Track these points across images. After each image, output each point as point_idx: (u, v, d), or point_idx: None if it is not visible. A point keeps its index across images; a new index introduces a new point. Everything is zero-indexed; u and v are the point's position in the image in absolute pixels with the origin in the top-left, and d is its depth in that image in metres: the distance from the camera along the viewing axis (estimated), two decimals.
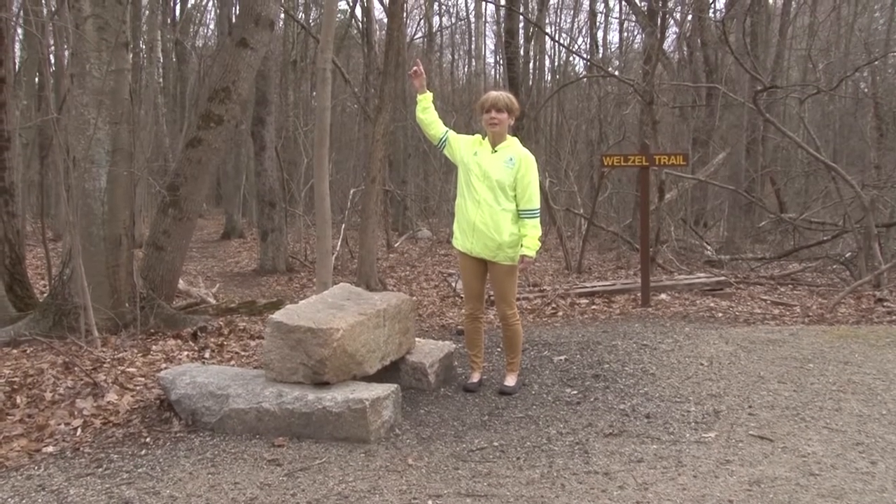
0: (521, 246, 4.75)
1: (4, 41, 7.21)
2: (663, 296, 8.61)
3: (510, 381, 5.05)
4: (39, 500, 3.48)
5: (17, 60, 14.64)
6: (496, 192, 4.72)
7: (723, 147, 15.23)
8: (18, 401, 4.62)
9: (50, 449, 4.09)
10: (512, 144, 4.83)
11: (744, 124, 15.25)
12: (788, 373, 5.26)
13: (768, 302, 8.48)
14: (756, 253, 12.47)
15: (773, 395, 4.78)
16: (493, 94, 4.84)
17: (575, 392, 4.99)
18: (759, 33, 16.50)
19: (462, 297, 9.22)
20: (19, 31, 13.95)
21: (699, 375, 5.25)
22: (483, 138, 4.88)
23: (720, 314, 7.75)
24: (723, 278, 9.44)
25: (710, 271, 10.47)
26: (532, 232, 4.78)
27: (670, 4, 15.69)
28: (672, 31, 18.88)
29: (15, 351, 5.88)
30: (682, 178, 12.63)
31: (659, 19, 14.53)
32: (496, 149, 4.80)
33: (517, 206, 4.78)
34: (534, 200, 4.77)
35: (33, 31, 8.39)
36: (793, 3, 18.00)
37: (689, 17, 16.56)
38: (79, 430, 4.31)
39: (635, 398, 4.81)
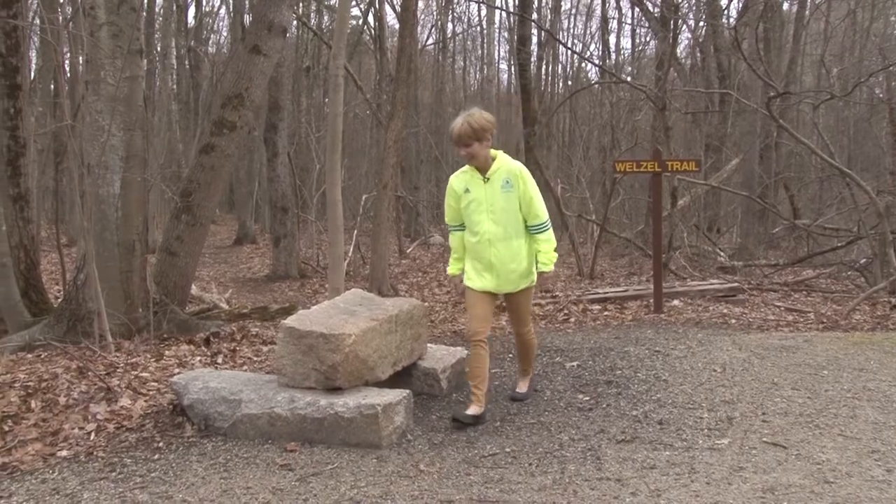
0: (537, 262, 4.58)
1: (21, 49, 7.29)
2: (676, 302, 8.58)
3: (522, 387, 4.99)
4: None
5: (32, 68, 14.79)
6: (506, 223, 4.47)
7: (736, 153, 15.18)
8: (33, 405, 4.66)
9: (64, 453, 4.12)
10: (502, 164, 4.48)
11: (757, 130, 15.19)
12: (802, 379, 5.23)
13: (782, 308, 8.43)
14: (769, 259, 12.40)
15: (787, 401, 4.76)
16: (456, 127, 4.39)
17: (587, 398, 4.98)
18: (772, 39, 16.45)
19: None
20: (35, 38, 14.09)
21: (712, 382, 5.23)
22: (471, 167, 4.53)
23: (733, 320, 7.72)
24: (736, 284, 9.39)
25: (723, 277, 10.43)
26: (545, 246, 4.57)
27: (683, 10, 15.66)
28: (685, 36, 18.86)
29: (30, 355, 5.92)
30: (695, 184, 12.59)
31: (672, 25, 14.51)
32: (487, 176, 4.47)
33: (526, 224, 4.55)
34: (541, 214, 4.52)
35: (49, 39, 8.49)
36: (807, 8, 17.93)
37: (702, 23, 16.54)
38: (92, 435, 4.34)
39: (648, 404, 4.80)
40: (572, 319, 7.96)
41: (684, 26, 16.52)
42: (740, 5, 16.73)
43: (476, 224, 4.52)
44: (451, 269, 4.83)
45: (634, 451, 4.01)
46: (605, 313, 8.22)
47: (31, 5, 10.01)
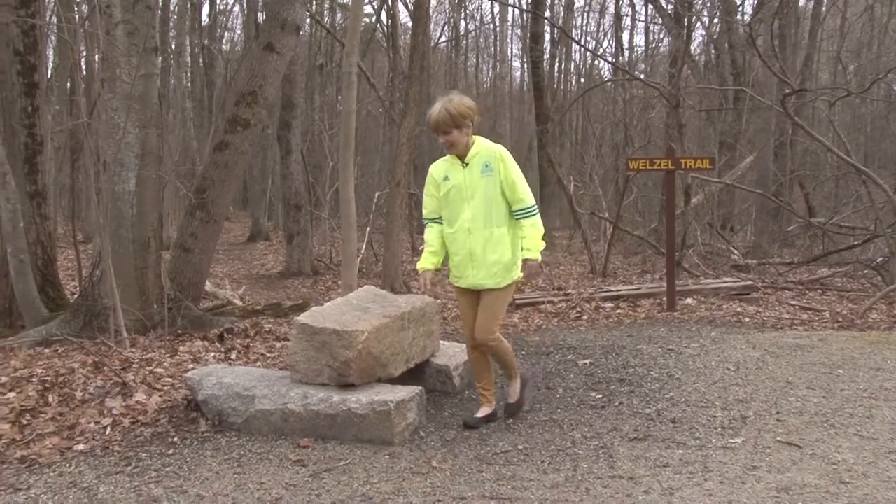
0: (522, 249, 4.25)
1: (38, 47, 7.34)
2: (689, 300, 8.54)
3: (510, 395, 4.55)
4: (71, 497, 3.54)
5: (49, 66, 14.90)
6: (487, 210, 4.18)
7: (750, 150, 15.09)
8: (50, 399, 4.70)
9: (81, 447, 4.16)
10: (481, 149, 4.22)
11: (772, 127, 15.09)
12: (817, 379, 5.20)
13: (797, 307, 8.38)
14: (784, 257, 12.32)
15: (802, 401, 4.73)
16: (434, 114, 4.15)
17: (600, 396, 4.97)
18: (787, 36, 16.32)
19: None
20: (52, 37, 14.19)
21: (726, 380, 5.21)
22: (452, 155, 4.30)
23: (747, 319, 7.68)
24: (750, 283, 9.35)
25: (736, 276, 10.37)
26: (531, 231, 4.21)
27: (697, 7, 15.58)
28: (699, 33, 18.74)
29: (47, 350, 5.98)
30: (709, 181, 12.52)
31: (686, 22, 14.44)
32: (466, 161, 4.22)
33: (511, 208, 4.24)
34: (525, 198, 4.19)
35: (66, 38, 8.55)
36: (823, 4, 17.78)
37: (717, 20, 16.44)
38: (108, 429, 4.38)
39: (661, 403, 4.79)
40: (585, 317, 7.95)
41: (698, 23, 16.43)
42: (755, 2, 16.64)
43: (455, 212, 4.26)
44: (422, 263, 4.46)
45: (647, 449, 4.01)
46: (618, 311, 8.20)
47: (48, 4, 10.10)
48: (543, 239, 4.26)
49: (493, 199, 4.17)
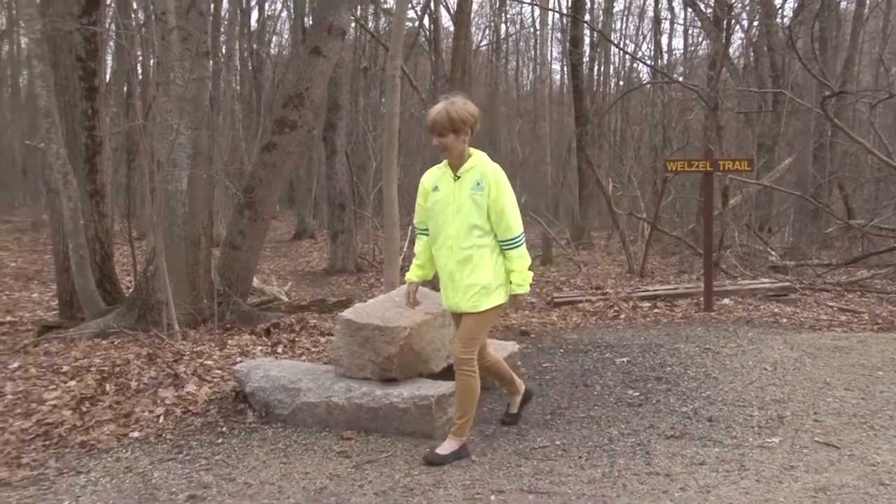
0: (510, 283, 3.85)
1: (98, 53, 7.51)
2: (726, 300, 8.42)
3: (443, 447, 3.85)
4: (127, 482, 3.63)
5: (108, 71, 15.22)
6: (470, 229, 3.79)
7: (789, 153, 14.79)
8: (108, 388, 4.82)
9: (135, 434, 4.26)
10: (477, 163, 3.84)
11: (811, 130, 14.78)
12: (856, 380, 5.10)
13: (835, 308, 8.20)
14: (822, 259, 12.06)
15: (840, 402, 4.64)
16: (433, 113, 3.82)
17: (637, 394, 4.93)
18: (828, 38, 15.97)
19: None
20: (111, 43, 14.50)
21: (763, 380, 5.13)
22: (446, 164, 3.94)
23: (784, 320, 7.55)
24: (788, 284, 9.17)
25: (774, 277, 10.18)
26: (518, 264, 3.84)
27: (736, 10, 15.31)
28: (738, 36, 18.42)
29: (104, 342, 6.12)
30: (747, 183, 12.31)
31: (725, 25, 14.20)
32: (459, 174, 3.85)
33: (496, 236, 3.83)
34: (513, 226, 3.80)
35: (124, 44, 8.72)
36: (865, 6, 17.36)
37: (756, 23, 16.14)
38: (161, 418, 4.47)
39: (697, 401, 4.73)
40: (622, 316, 7.89)
41: (737, 26, 16.15)
42: (795, 4, 16.32)
43: (438, 227, 3.90)
44: (409, 275, 4.14)
45: (684, 447, 3.97)
46: (656, 311, 8.11)
47: (107, 12, 10.31)
48: (530, 269, 3.91)
49: (480, 218, 3.79)
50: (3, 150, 24.35)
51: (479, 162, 3.86)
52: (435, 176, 3.97)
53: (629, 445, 4.01)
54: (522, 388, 4.41)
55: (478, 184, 3.79)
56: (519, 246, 3.83)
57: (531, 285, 3.97)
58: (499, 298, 3.84)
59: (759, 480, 3.48)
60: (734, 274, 10.62)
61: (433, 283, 4.59)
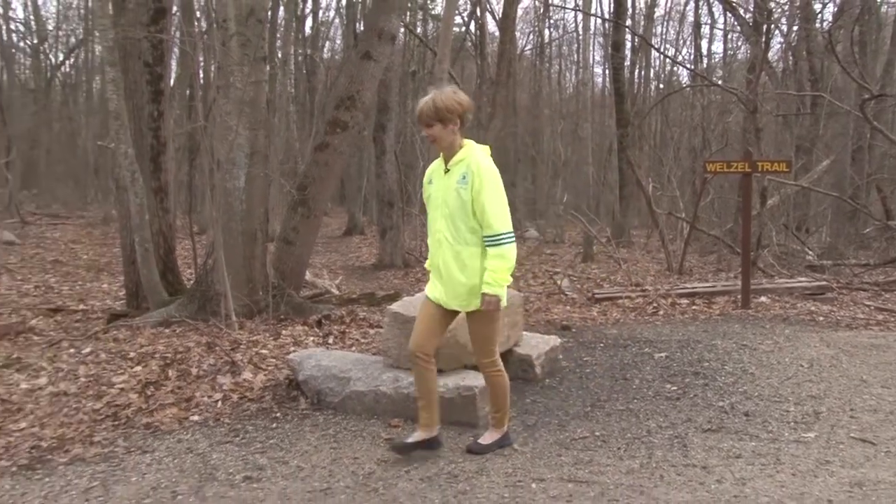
0: (483, 282, 3.51)
1: (164, 59, 7.65)
2: (763, 298, 8.24)
3: (486, 437, 3.83)
4: (188, 461, 3.71)
5: (172, 75, 15.53)
6: (457, 224, 3.55)
7: (827, 155, 14.40)
8: (170, 374, 4.92)
9: (196, 417, 4.35)
10: (467, 156, 3.57)
11: (850, 132, 14.36)
12: (893, 378, 4.95)
13: (872, 308, 7.97)
14: (860, 259, 11.72)
15: (877, 399, 4.51)
16: (420, 104, 3.60)
17: (675, 388, 4.87)
18: (868, 41, 15.49)
19: (566, 294, 9.15)
20: (175, 49, 14.78)
21: (799, 377, 5.02)
22: (441, 157, 3.69)
23: (821, 318, 7.36)
24: (825, 283, 8.93)
25: (811, 276, 9.93)
26: (494, 263, 3.49)
27: (776, 15, 14.95)
28: (777, 40, 17.99)
29: (167, 330, 6.24)
30: (785, 184, 12.04)
31: (764, 29, 13.88)
32: (449, 167, 3.61)
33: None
34: (494, 224, 3.49)
35: (187, 49, 8.88)
36: None
37: (795, 28, 15.73)
38: (219, 403, 4.55)
39: (734, 396, 4.65)
40: (661, 312, 7.78)
41: (776, 31, 15.78)
42: (835, 9, 15.86)
43: (432, 220, 3.70)
44: (429, 264, 3.87)
45: (720, 440, 3.91)
46: (693, 307, 7.98)
47: (172, 20, 10.50)
48: (511, 273, 3.58)
49: (465, 213, 3.53)
50: (77, 150, 25.04)
51: (470, 154, 3.59)
52: (431, 169, 3.78)
53: (667, 438, 3.97)
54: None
55: (463, 177, 3.54)
56: (501, 244, 3.50)
57: (508, 287, 3.61)
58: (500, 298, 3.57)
59: (795, 474, 3.40)
60: (771, 273, 10.40)
61: None
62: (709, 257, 13.17)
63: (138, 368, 5.00)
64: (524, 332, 5.37)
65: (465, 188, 3.51)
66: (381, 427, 4.17)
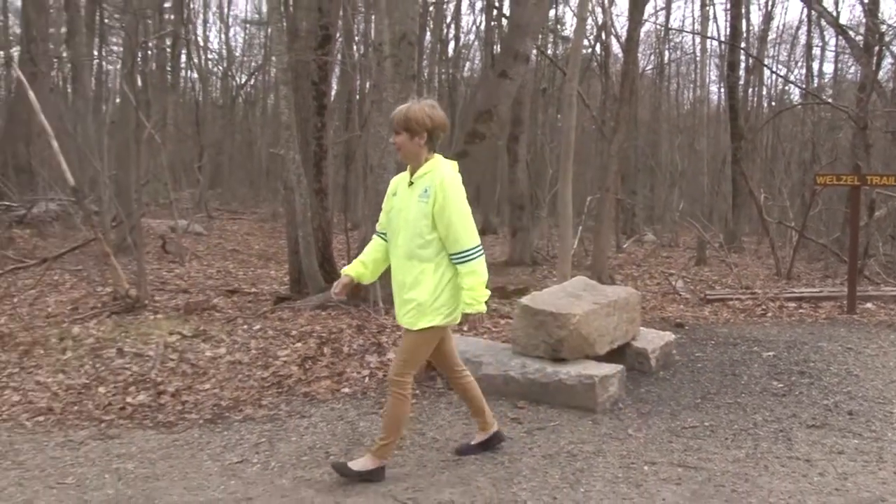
0: (463, 303, 3.15)
1: (328, 78, 8.01)
2: (869, 305, 7.59)
3: (356, 461, 3.25)
4: (339, 427, 3.89)
5: (333, 92, 16.27)
6: (413, 240, 3.15)
7: None
8: (325, 351, 5.17)
9: (346, 390, 4.54)
10: (431, 169, 3.17)
11: None
12: None
13: None
14: None
15: None
16: (395, 110, 3.26)
17: (781, 385, 4.60)
18: None
19: (680, 294, 8.78)
20: (336, 69, 15.46)
21: None
22: (409, 169, 3.29)
23: None
24: None
25: None
26: (469, 281, 3.12)
27: (887, 38, 13.69)
28: (888, 62, 16.44)
29: (323, 313, 6.53)
30: (893, 197, 11.07)
31: (875, 51, 12.79)
32: (413, 180, 3.22)
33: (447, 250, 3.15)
34: (461, 239, 3.11)
35: (348, 69, 9.26)
36: None
37: None
38: (366, 379, 4.73)
39: (838, 396, 4.35)
40: (769, 314, 7.35)
41: (887, 52, 14.44)
42: None
43: (393, 234, 3.28)
44: (347, 268, 3.48)
45: (824, 436, 3.68)
46: (800, 311, 7.48)
47: (335, 45, 11.01)
48: (487, 287, 3.20)
49: (422, 229, 3.12)
50: (253, 156, 26.72)
51: (434, 169, 3.18)
52: (397, 181, 3.37)
53: (772, 431, 3.78)
54: (493, 428, 3.56)
55: (425, 190, 3.13)
56: (470, 260, 3.12)
57: (487, 302, 3.23)
58: (435, 319, 3.15)
59: None
60: (877, 281, 9.58)
61: (599, 278, 4.49)
62: (816, 264, 12.34)
63: (299, 345, 5.28)
64: (641, 328, 5.22)
65: (426, 202, 3.11)
66: (509, 407, 4.19)
